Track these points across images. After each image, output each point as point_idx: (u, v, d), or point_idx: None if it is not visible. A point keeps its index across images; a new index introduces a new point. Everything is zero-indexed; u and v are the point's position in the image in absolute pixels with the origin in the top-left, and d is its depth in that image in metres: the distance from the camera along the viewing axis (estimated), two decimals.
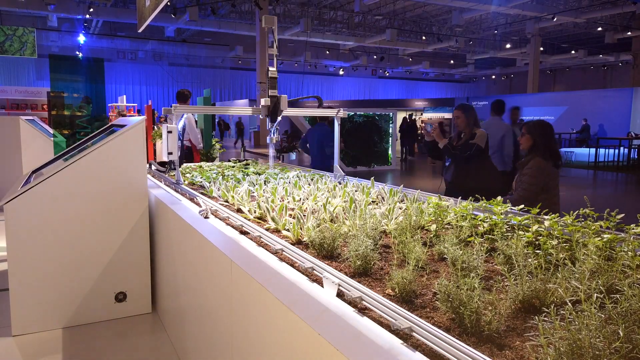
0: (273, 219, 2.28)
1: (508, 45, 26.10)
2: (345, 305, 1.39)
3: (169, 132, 3.33)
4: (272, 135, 3.55)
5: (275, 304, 1.45)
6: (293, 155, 14.08)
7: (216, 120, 23.27)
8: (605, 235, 1.57)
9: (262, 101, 3.40)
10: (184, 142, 7.62)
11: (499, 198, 2.18)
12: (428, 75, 38.11)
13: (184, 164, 4.91)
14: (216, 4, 18.45)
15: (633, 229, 1.51)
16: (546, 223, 1.78)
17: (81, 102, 5.48)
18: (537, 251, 1.58)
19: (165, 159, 3.46)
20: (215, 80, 33.53)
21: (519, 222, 1.94)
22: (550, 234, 1.72)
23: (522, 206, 2.14)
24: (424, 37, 24.08)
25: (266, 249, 1.95)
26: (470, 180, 4.02)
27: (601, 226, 1.65)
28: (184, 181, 3.61)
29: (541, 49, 25.23)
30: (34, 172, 3.88)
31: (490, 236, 1.87)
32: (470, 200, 2.20)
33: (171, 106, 3.40)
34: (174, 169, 3.55)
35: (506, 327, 1.24)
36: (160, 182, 3.89)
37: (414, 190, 2.86)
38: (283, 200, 2.65)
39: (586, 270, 1.26)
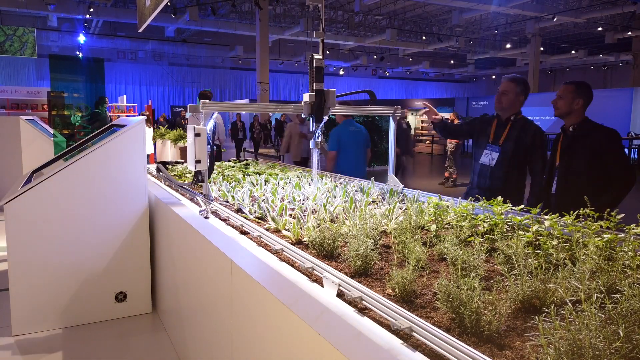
0: (273, 219, 2.28)
1: (508, 45, 26.09)
2: (345, 305, 1.39)
3: (197, 135, 2.68)
4: (316, 138, 2.86)
5: (275, 304, 1.45)
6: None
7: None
8: (605, 235, 1.57)
9: (306, 97, 2.78)
10: (215, 142, 7.24)
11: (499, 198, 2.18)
12: (428, 75, 38.10)
13: (185, 164, 4.89)
14: (216, 4, 18.45)
15: (633, 229, 1.51)
16: (546, 223, 1.78)
17: (97, 102, 5.51)
18: (537, 251, 1.58)
19: (191, 168, 2.82)
20: (215, 80, 33.52)
21: (519, 222, 1.94)
22: (550, 234, 1.72)
23: (522, 206, 2.14)
24: (424, 37, 24.07)
25: (266, 249, 1.96)
26: None
27: (601, 226, 1.65)
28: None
29: (541, 49, 25.22)
30: (34, 172, 3.88)
31: (490, 236, 1.87)
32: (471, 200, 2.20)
33: (199, 102, 2.82)
34: (202, 180, 2.90)
35: (506, 327, 1.24)
36: (182, 194, 3.28)
37: (414, 190, 2.86)
38: (283, 201, 2.65)
39: (586, 270, 1.26)
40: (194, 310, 2.54)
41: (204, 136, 2.70)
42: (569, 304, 1.07)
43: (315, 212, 2.35)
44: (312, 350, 1.26)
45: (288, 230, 2.12)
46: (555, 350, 0.99)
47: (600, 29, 21.67)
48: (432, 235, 1.96)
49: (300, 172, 3.81)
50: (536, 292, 1.33)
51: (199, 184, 3.06)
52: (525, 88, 3.41)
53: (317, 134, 2.86)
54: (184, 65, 31.70)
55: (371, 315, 1.32)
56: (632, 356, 0.97)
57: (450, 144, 11.28)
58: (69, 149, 4.18)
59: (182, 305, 2.81)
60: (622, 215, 1.59)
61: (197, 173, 2.95)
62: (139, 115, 14.75)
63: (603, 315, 1.01)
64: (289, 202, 2.62)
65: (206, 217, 2.54)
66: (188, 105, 2.84)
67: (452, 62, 32.59)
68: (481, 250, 1.60)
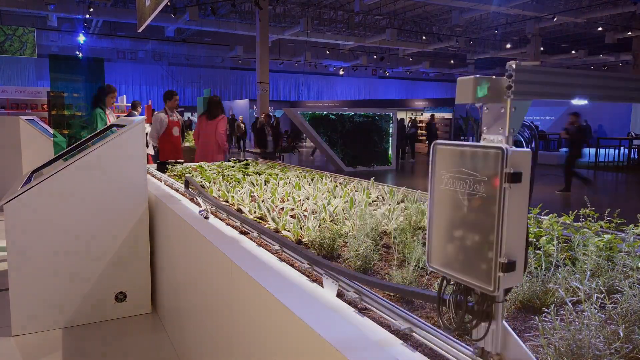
0: (273, 219, 2.28)
1: (508, 45, 26.07)
2: (345, 305, 1.39)
3: (515, 177, 0.90)
4: None
5: (275, 304, 1.45)
6: None
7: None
8: (605, 236, 1.57)
9: None
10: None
11: None
12: (428, 75, 38.08)
13: (186, 164, 4.90)
14: (216, 4, 18.44)
15: (633, 229, 1.51)
16: (546, 223, 1.78)
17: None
18: (537, 251, 1.58)
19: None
20: (215, 80, 33.50)
21: None
22: (550, 234, 1.72)
23: None
24: (424, 37, 24.06)
25: (266, 249, 1.95)
26: None
27: (601, 226, 1.65)
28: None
29: (541, 49, 25.21)
30: (34, 172, 3.88)
31: None
32: None
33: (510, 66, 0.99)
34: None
35: None
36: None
37: (414, 190, 2.86)
38: (283, 201, 2.66)
39: (586, 270, 1.26)
40: (194, 310, 2.54)
41: (526, 183, 0.93)
42: (569, 304, 1.07)
43: (316, 212, 2.35)
44: (312, 351, 1.26)
45: (288, 230, 2.13)
46: (555, 350, 0.99)
47: (600, 29, 21.66)
48: None
49: (299, 172, 3.81)
50: (536, 292, 1.33)
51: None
52: None
53: None
54: (183, 65, 31.68)
55: (371, 315, 1.32)
56: (632, 356, 0.97)
57: None
58: (68, 148, 4.18)
59: (182, 305, 2.81)
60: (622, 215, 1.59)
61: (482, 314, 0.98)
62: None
63: (603, 315, 1.01)
64: (289, 202, 2.62)
65: (206, 217, 2.54)
66: (460, 79, 1.06)
67: (452, 62, 32.56)
68: None
